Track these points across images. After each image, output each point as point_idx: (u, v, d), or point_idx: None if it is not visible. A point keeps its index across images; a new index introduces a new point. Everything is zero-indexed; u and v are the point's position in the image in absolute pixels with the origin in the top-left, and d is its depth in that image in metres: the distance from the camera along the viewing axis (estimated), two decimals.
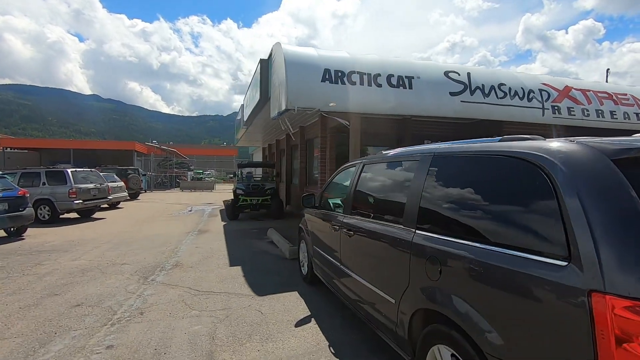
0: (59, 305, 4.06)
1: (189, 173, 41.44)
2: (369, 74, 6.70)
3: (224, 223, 10.40)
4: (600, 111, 8.40)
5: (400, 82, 6.86)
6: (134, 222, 10.53)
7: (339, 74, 6.50)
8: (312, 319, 3.66)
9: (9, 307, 4.01)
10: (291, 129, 7.45)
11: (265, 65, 8.12)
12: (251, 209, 10.99)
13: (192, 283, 4.84)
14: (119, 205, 15.12)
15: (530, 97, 7.81)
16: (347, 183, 3.85)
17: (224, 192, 25.98)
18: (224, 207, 15.00)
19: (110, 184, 12.50)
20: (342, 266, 3.31)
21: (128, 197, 15.87)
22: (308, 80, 6.28)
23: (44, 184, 10.37)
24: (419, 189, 2.32)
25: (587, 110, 8.27)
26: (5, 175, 8.97)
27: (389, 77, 6.82)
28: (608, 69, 15.86)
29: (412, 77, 6.98)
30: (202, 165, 46.89)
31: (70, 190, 10.25)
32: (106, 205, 13.36)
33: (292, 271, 5.43)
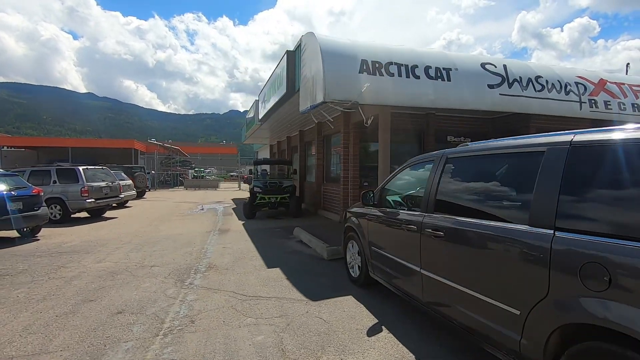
0: (98, 313, 3.72)
1: (190, 171, 41.06)
2: (406, 65, 6.39)
3: (242, 222, 10.07)
4: (636, 105, 8.14)
5: (439, 74, 6.55)
6: (148, 222, 10.17)
7: (376, 64, 6.18)
8: (383, 327, 3.35)
9: (44, 315, 3.67)
10: (330, 118, 7.02)
11: (292, 57, 7.78)
12: (269, 207, 10.65)
13: (235, 287, 4.52)
14: (127, 204, 14.72)
15: (567, 90, 7.53)
16: (417, 179, 3.56)
17: (230, 191, 25.62)
18: (235, 206, 14.67)
19: (120, 182, 12.11)
20: (423, 270, 2.99)
21: (136, 196, 15.47)
22: (345, 71, 5.96)
23: (54, 182, 9.98)
24: (553, 184, 2.01)
25: (624, 104, 8.01)
26: (17, 173, 8.58)
27: (427, 68, 6.51)
28: (628, 64, 15.68)
29: (450, 69, 6.67)
30: (203, 163, 46.45)
31: (83, 189, 9.86)
32: (114, 204, 12.95)
33: (335, 273, 5.12)
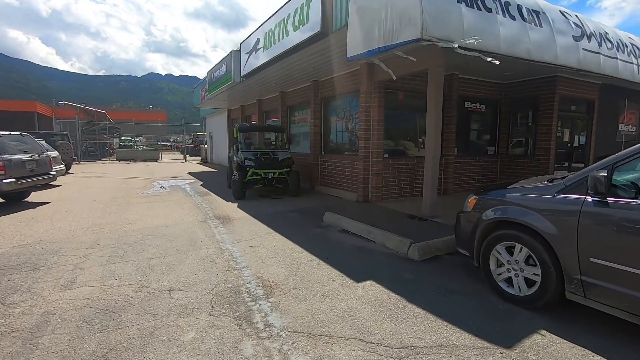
0: None
1: (115, 140, 35.42)
2: (500, 0, 4.87)
3: (234, 204, 7.94)
4: None
5: (531, 16, 5.17)
6: (102, 207, 7.49)
7: None
8: None
9: None
10: (409, 56, 5.06)
11: None
12: (264, 184, 8.63)
13: (350, 327, 2.79)
14: (53, 182, 11.23)
15: (628, 51, 6.76)
16: None
17: (176, 163, 22.26)
18: (202, 182, 12.18)
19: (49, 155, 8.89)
20: None
21: (64, 171, 11.99)
22: None
23: None
24: None
25: None
26: None
27: (519, 7, 5.07)
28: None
29: (538, 12, 5.33)
30: (128, 130, 40.49)
31: None
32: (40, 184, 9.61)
33: (460, 283, 3.63)
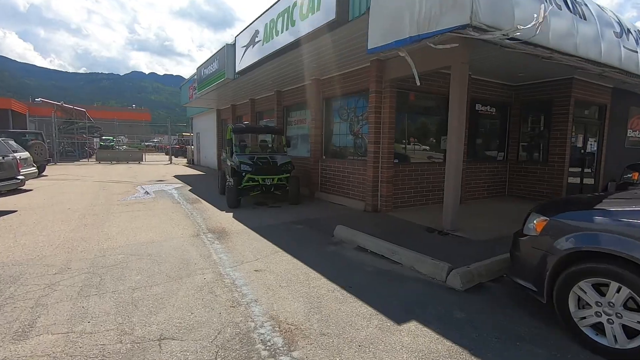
0: None
1: (96, 140, 33.85)
2: None
3: (229, 214, 7.12)
4: None
5: (575, 9, 4.58)
6: (78, 218, 6.55)
7: None
8: None
9: None
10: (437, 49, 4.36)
11: None
12: (262, 191, 7.83)
13: None
14: (22, 187, 10.13)
15: None
16: None
17: (161, 165, 21.12)
18: (191, 187, 11.26)
19: (17, 156, 7.86)
20: None
21: (36, 174, 10.87)
22: None
23: None
24: None
25: None
26: None
27: None
28: None
29: (581, 4, 4.75)
30: (110, 129, 38.89)
31: None
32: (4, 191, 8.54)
33: (524, 323, 2.93)
